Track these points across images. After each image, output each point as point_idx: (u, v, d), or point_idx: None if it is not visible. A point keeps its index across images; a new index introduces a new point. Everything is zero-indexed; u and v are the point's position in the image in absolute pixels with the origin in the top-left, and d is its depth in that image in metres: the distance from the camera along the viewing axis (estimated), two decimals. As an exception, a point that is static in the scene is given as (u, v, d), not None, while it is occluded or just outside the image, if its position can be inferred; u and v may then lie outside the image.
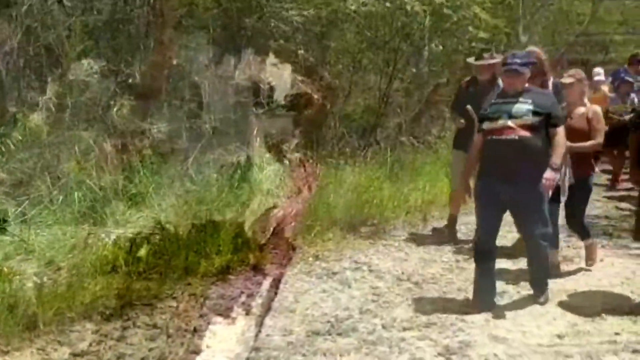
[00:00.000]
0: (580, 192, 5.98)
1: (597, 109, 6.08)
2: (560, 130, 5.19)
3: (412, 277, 6.12)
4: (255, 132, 9.18)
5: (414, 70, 11.98)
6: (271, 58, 10.62)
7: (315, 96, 10.92)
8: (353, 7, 10.50)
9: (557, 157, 5.11)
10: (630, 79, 10.41)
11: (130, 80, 8.45)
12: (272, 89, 10.26)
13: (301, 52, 10.95)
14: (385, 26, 10.99)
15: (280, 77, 10.79)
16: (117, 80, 8.12)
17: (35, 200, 6.77)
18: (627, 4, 20.04)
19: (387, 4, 10.51)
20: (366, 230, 7.60)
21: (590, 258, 6.44)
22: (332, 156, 9.67)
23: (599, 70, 11.78)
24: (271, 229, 6.64)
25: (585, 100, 6.08)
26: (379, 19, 10.88)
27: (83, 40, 8.19)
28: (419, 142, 12.23)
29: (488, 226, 5.27)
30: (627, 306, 5.35)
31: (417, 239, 7.40)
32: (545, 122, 5.12)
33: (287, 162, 9.26)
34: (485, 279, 5.32)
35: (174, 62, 9.49)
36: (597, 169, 6.31)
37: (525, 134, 5.05)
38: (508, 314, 5.18)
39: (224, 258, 5.74)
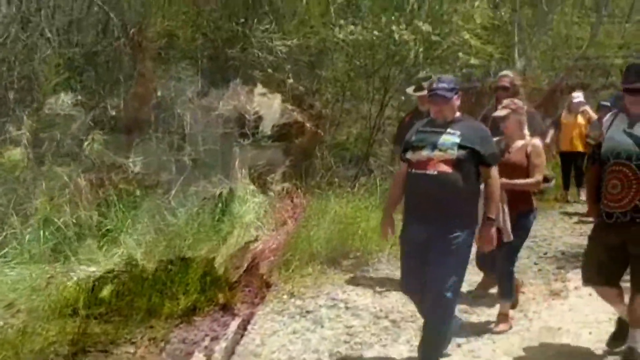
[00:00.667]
0: (516, 232, 5.31)
1: (537, 142, 5.51)
2: (494, 173, 4.58)
3: (390, 314, 5.88)
4: (238, 163, 8.96)
5: (404, 98, 11.77)
6: (259, 88, 10.48)
7: (308, 124, 10.76)
8: (341, 36, 10.34)
9: (491, 208, 4.53)
10: (607, 104, 9.98)
11: (108, 113, 8.27)
12: (259, 119, 10.08)
13: (290, 81, 10.80)
14: (374, 55, 10.80)
15: (270, 106, 10.62)
16: (94, 114, 7.93)
17: (7, 239, 6.58)
18: (627, 27, 19.87)
19: (376, 32, 10.34)
20: (348, 263, 7.37)
21: (499, 325, 5.54)
22: (320, 187, 9.44)
23: (577, 94, 11.45)
24: (245, 264, 6.38)
25: (525, 132, 5.52)
26: (367, 47, 10.69)
27: (60, 73, 8.03)
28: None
29: (409, 271, 4.60)
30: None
31: (400, 273, 7.13)
32: (475, 159, 4.47)
33: (272, 193, 9.04)
34: None
35: (158, 93, 9.37)
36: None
37: (446, 169, 4.38)
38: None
39: (191, 298, 5.51)
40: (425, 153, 4.46)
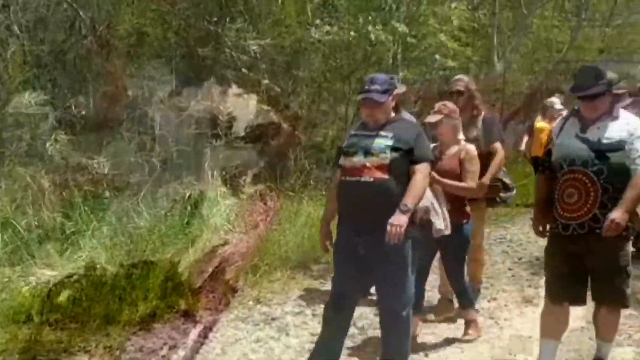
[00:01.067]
0: (453, 244, 5.01)
1: (471, 148, 5.16)
2: (421, 168, 4.19)
3: (358, 321, 5.68)
4: (209, 164, 8.78)
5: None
6: (234, 88, 10.31)
7: (284, 125, 10.61)
8: (317, 36, 10.20)
9: (408, 198, 4.07)
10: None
11: (75, 113, 8.06)
12: (232, 119, 9.89)
13: (266, 81, 10.63)
14: (351, 55, 10.67)
15: (244, 107, 10.45)
16: (60, 113, 7.72)
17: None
18: (607, 32, 19.88)
19: (352, 33, 10.21)
20: (318, 269, 7.19)
21: (468, 332, 5.36)
22: (294, 189, 9.27)
23: (553, 99, 10.83)
24: (210, 269, 6.20)
25: (460, 137, 5.20)
26: (344, 48, 10.56)
27: (25, 71, 7.82)
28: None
29: (341, 284, 4.31)
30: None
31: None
32: (409, 160, 4.16)
33: (244, 196, 8.86)
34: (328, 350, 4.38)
35: (128, 93, 9.17)
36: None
37: (383, 176, 4.08)
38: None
39: (150, 304, 5.31)
40: (357, 159, 4.15)
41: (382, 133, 4.20)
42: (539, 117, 10.63)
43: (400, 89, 5.58)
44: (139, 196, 8.13)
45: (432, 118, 5.13)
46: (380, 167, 4.09)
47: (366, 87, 4.24)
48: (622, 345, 5.22)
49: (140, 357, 4.70)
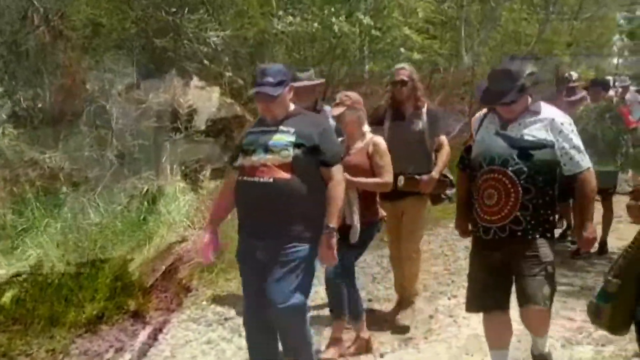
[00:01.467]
0: (352, 245, 4.56)
1: (379, 140, 4.77)
2: (336, 173, 3.84)
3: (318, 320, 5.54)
4: (167, 159, 8.60)
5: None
6: (196, 81, 10.11)
7: (249, 118, 10.44)
8: (280, 27, 10.02)
9: (331, 217, 3.76)
10: None
11: (30, 106, 7.82)
12: (193, 112, 9.69)
13: (229, 74, 10.45)
14: (316, 47, 10.51)
15: (207, 100, 10.27)
16: (12, 106, 7.48)
17: None
18: (575, 25, 19.93)
19: (316, 24, 10.04)
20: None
21: (331, 345, 4.83)
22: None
23: None
24: (163, 267, 6.03)
25: (365, 129, 4.79)
26: (307, 39, 10.40)
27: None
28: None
29: (250, 297, 3.97)
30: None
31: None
32: (315, 158, 3.80)
33: (203, 191, 8.69)
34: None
35: (87, 86, 8.93)
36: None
37: (284, 175, 3.72)
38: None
39: (98, 305, 5.14)
40: (256, 157, 3.78)
41: (283, 128, 3.84)
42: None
43: (316, 80, 5.53)
44: (96, 191, 7.93)
45: (334, 110, 4.72)
46: (281, 166, 3.74)
47: (258, 80, 3.86)
48: (582, 344, 5.16)
49: (85, 361, 4.52)
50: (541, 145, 3.79)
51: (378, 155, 4.66)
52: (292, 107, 3.97)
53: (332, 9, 10.00)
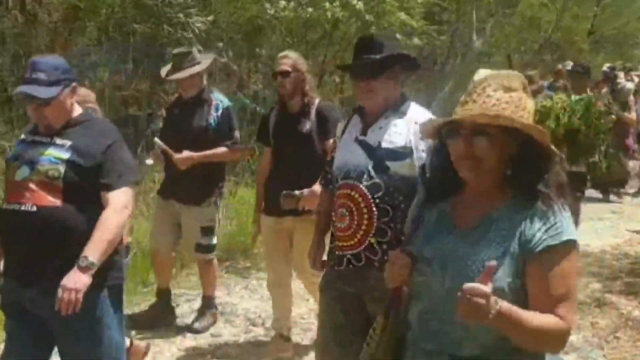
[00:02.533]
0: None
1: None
2: (115, 199, 2.94)
3: (268, 321, 5.27)
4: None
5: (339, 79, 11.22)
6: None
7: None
8: (272, 12, 9.73)
9: (93, 249, 2.83)
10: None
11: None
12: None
13: (223, 59, 10.21)
14: (307, 33, 10.22)
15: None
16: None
17: None
18: (597, 12, 19.30)
19: (310, 10, 9.74)
20: (245, 264, 6.73)
21: None
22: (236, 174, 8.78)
23: None
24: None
25: None
26: (301, 25, 10.11)
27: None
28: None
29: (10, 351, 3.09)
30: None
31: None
32: (97, 182, 2.96)
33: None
34: None
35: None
36: None
37: (53, 202, 2.88)
38: None
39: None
40: (20, 174, 2.93)
41: (58, 141, 2.96)
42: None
43: (198, 65, 4.82)
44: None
45: None
46: (49, 190, 2.89)
47: (26, 76, 2.99)
48: (567, 353, 4.83)
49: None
50: (399, 155, 3.04)
51: None
52: (76, 112, 3.09)
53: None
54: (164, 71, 5.07)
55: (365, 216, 3.04)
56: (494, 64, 16.55)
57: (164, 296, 5.24)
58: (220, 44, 10.26)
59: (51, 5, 7.85)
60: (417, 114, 3.12)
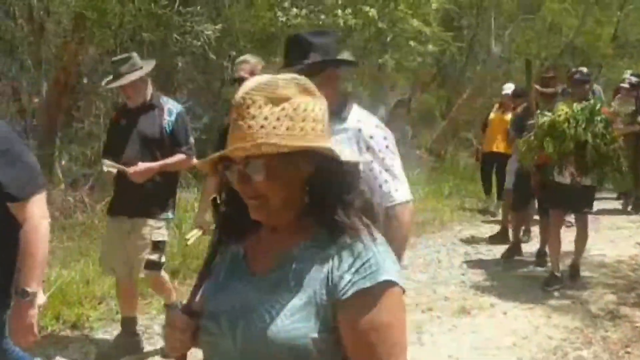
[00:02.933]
0: None
1: None
2: (31, 210, 2.71)
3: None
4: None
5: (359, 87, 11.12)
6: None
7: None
8: (283, 20, 9.66)
9: (29, 274, 2.66)
10: None
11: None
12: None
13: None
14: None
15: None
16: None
17: None
18: (620, 17, 18.94)
19: (322, 17, 9.66)
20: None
21: None
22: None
23: (509, 85, 9.50)
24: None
25: None
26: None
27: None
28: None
29: None
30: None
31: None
32: None
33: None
34: None
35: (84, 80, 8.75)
36: None
37: None
38: None
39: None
40: None
41: None
42: (494, 107, 9.56)
43: (137, 72, 4.44)
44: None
45: None
46: None
47: None
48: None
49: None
50: None
51: None
52: None
53: (339, 1, 9.61)
54: (104, 82, 4.72)
55: None
56: (513, 70, 16.44)
57: (128, 326, 4.73)
58: (233, 53, 10.23)
59: (59, 15, 7.82)
60: (360, 118, 2.84)
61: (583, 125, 5.78)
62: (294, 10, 9.53)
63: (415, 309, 5.86)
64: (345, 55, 2.85)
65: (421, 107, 15.24)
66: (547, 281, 6.40)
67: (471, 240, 8.29)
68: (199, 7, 8.43)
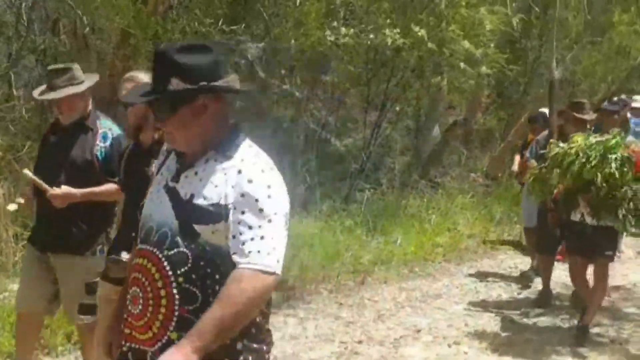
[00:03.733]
0: None
1: None
2: None
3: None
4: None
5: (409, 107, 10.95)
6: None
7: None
8: (332, 39, 9.56)
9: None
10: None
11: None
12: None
13: (286, 86, 10.14)
14: (368, 61, 10.03)
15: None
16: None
17: None
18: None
19: (371, 36, 9.52)
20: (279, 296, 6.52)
21: None
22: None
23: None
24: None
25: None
26: (362, 52, 9.92)
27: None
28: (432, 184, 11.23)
29: None
30: None
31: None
32: None
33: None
34: None
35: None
36: None
37: None
38: None
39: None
40: None
41: None
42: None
43: (89, 81, 4.06)
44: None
45: None
46: None
47: None
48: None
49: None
50: (211, 215, 2.17)
51: None
52: None
53: (388, 21, 9.44)
54: (37, 91, 4.17)
55: (163, 301, 2.18)
56: (579, 93, 15.91)
57: None
58: (283, 71, 10.20)
59: (104, 31, 7.91)
60: (246, 156, 2.25)
61: (593, 163, 5.12)
62: (343, 29, 9.42)
63: (443, 341, 5.66)
64: (231, 78, 2.24)
65: (481, 129, 14.91)
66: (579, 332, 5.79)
67: (514, 271, 7.95)
68: (243, 26, 8.39)
